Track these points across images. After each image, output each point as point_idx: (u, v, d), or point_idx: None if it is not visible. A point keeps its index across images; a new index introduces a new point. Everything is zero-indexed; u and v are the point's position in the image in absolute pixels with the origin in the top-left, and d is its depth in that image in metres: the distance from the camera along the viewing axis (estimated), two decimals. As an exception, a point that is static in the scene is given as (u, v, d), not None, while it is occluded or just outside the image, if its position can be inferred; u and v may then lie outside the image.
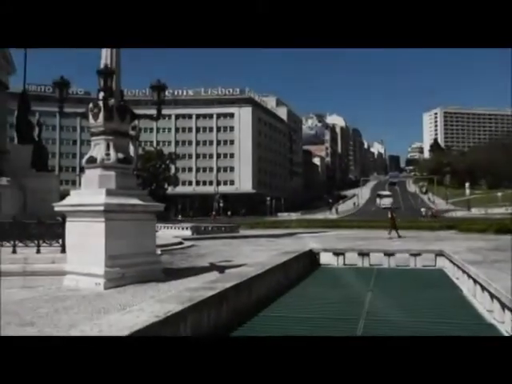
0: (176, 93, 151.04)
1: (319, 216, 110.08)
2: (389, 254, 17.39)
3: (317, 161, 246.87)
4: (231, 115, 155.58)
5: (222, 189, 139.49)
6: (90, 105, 16.52)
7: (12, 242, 16.69)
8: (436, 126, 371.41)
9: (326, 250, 18.03)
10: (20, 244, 16.73)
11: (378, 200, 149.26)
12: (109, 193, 15.48)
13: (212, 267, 19.08)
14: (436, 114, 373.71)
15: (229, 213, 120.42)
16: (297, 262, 15.22)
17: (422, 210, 47.44)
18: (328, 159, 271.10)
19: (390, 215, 42.53)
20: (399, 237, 38.07)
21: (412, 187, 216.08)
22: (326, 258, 17.64)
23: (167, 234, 42.39)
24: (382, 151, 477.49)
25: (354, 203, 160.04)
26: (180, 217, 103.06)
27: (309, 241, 30.46)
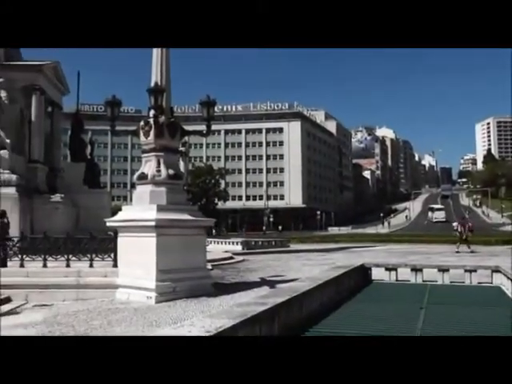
0: (225, 108, 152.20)
1: (370, 230, 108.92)
2: (443, 270, 16.93)
3: (367, 174, 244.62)
4: (280, 130, 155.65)
5: (272, 203, 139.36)
6: (141, 123, 16.81)
7: (66, 256, 17.10)
8: (489, 136, 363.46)
9: (377, 266, 17.76)
10: (73, 258, 17.15)
11: (429, 214, 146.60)
12: (160, 208, 15.68)
13: (263, 282, 19.07)
14: (489, 123, 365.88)
15: (279, 227, 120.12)
16: (348, 278, 15.04)
17: (454, 224, 45.79)
18: (378, 172, 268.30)
19: (460, 228, 39.69)
20: (471, 251, 36.11)
21: (465, 200, 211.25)
22: (377, 274, 17.36)
23: (217, 248, 42.55)
24: (434, 163, 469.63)
25: (406, 216, 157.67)
26: (225, 231, 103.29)
27: (360, 255, 30.18)
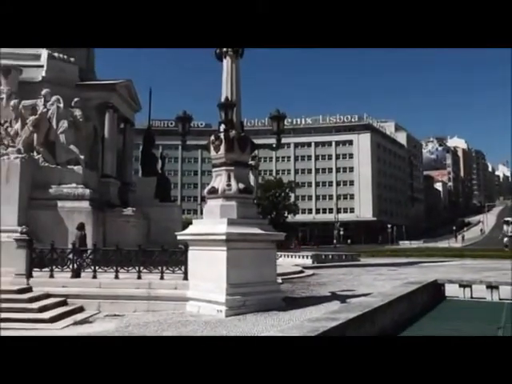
0: (295, 121, 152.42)
1: (442, 244, 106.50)
2: (521, 288, 16.22)
3: (438, 186, 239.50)
4: (350, 142, 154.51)
5: (342, 216, 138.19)
6: (212, 137, 16.98)
7: (137, 268, 17.42)
8: None
9: (451, 282, 17.24)
10: (145, 270, 17.48)
11: (505, 227, 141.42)
12: (230, 222, 15.76)
13: (333, 296, 18.87)
14: None
15: (349, 241, 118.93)
16: (421, 294, 14.67)
17: (506, 239, 43.00)
18: (450, 184, 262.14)
19: None
20: None
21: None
22: (451, 290, 16.83)
23: (288, 262, 42.45)
24: (508, 174, 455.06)
25: (481, 230, 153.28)
26: (294, 245, 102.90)
27: (432, 270, 29.47)
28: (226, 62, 17.56)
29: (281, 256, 42.17)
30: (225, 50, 17.38)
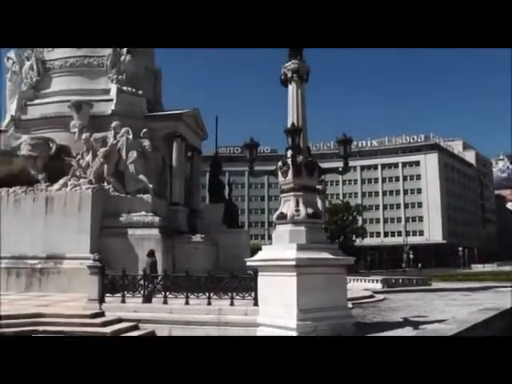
0: (360, 144, 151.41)
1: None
2: None
3: (511, 206, 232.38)
4: (417, 163, 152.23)
5: (411, 239, 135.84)
6: (279, 163, 17.02)
7: (207, 294, 17.53)
8: None
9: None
10: (214, 296, 17.55)
11: None
12: (300, 247, 15.68)
13: (405, 322, 18.43)
14: None
15: (419, 265, 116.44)
16: (499, 321, 14.15)
17: None
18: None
19: None
20: None
21: None
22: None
23: (357, 286, 41.88)
24: None
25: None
26: (363, 268, 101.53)
27: (509, 296, 28.46)
28: (291, 88, 17.63)
29: (350, 280, 41.64)
30: (290, 75, 17.48)
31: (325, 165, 20.21)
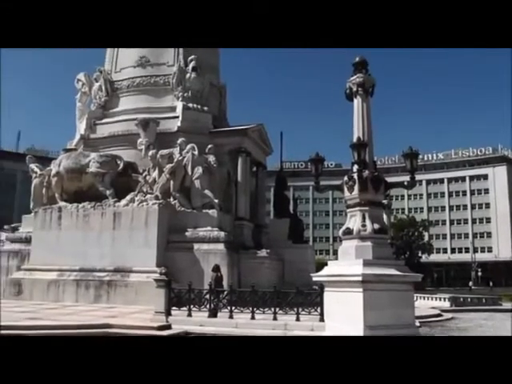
0: (426, 157, 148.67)
1: None
2: None
3: None
4: (485, 176, 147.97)
5: (479, 256, 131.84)
6: (345, 178, 16.91)
7: (273, 310, 17.51)
8: None
9: None
10: (280, 311, 17.52)
11: None
12: (366, 263, 15.48)
13: (476, 343, 17.88)
14: None
15: (490, 283, 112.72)
16: None
17: None
18: None
19: None
20: None
21: None
22: None
23: (424, 304, 41.07)
24: None
25: None
26: (430, 286, 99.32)
27: None
28: (357, 102, 17.52)
29: (417, 298, 40.83)
30: (355, 89, 17.38)
31: (390, 179, 19.95)
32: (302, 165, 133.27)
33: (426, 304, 41.79)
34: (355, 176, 16.47)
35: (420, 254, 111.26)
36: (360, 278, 15.07)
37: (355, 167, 16.62)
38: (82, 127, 33.98)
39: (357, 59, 17.44)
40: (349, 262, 16.22)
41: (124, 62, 34.72)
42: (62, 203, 30.35)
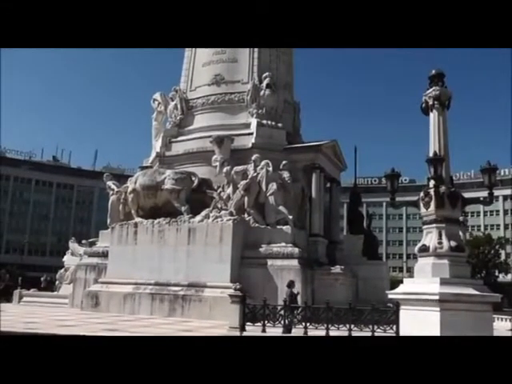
0: (502, 172, 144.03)
1: None
2: None
3: None
4: None
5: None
6: (422, 193, 16.67)
7: (347, 326, 17.38)
8: None
9: None
10: (355, 328, 17.36)
11: None
12: (443, 282, 15.18)
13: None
14: None
15: None
16: None
17: None
18: None
19: None
20: None
21: None
22: None
23: (503, 326, 39.67)
24: None
25: None
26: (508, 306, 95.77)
27: None
28: (433, 115, 17.27)
29: (495, 319, 39.50)
30: (431, 103, 17.15)
31: (466, 195, 19.53)
32: (375, 180, 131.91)
33: (504, 326, 40.34)
34: (432, 192, 16.20)
35: (497, 274, 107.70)
36: (437, 297, 14.78)
37: (431, 183, 16.35)
38: (157, 145, 34.85)
39: (433, 72, 17.23)
40: (425, 280, 15.93)
41: (199, 80, 35.45)
42: (138, 219, 31.13)
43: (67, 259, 38.21)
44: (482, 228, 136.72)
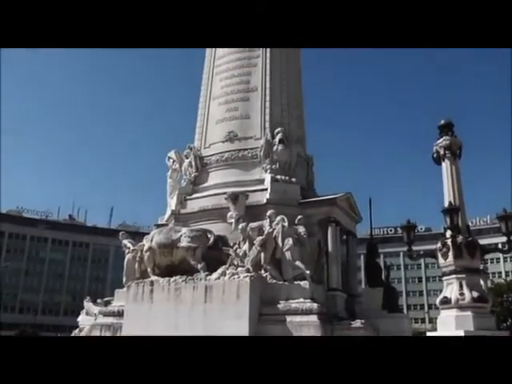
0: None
1: None
2: None
3: None
4: None
5: None
6: (439, 244, 16.57)
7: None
8: None
9: None
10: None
11: None
12: (467, 334, 14.91)
13: None
14: None
15: None
16: None
17: None
18: None
19: None
20: None
21: None
22: None
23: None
24: None
25: None
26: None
27: None
28: (445, 166, 17.31)
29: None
30: (442, 153, 17.20)
31: (483, 241, 19.37)
32: (391, 230, 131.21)
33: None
34: (449, 242, 16.09)
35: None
36: (462, 350, 14.51)
37: (448, 233, 16.27)
38: (172, 203, 34.96)
39: (442, 122, 17.33)
40: (449, 333, 15.66)
41: (213, 137, 35.81)
42: (154, 277, 30.94)
43: (82, 319, 37.84)
44: (503, 274, 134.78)
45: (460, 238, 16.04)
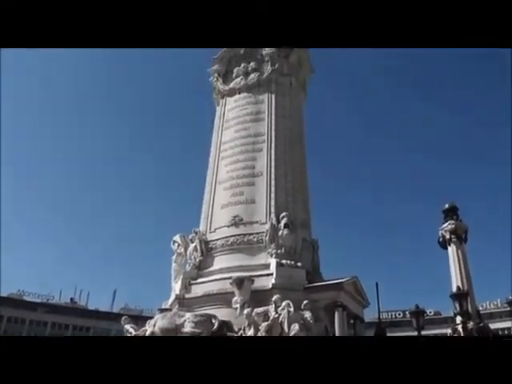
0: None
1: None
2: None
3: None
4: None
5: None
6: (449, 330, 16.34)
7: None
8: None
9: None
10: None
11: None
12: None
13: None
14: None
15: None
16: None
17: None
18: None
19: None
20: None
21: None
22: None
23: None
24: None
25: None
26: None
27: None
28: (451, 250, 17.27)
29: None
30: (448, 237, 17.18)
31: (494, 325, 19.02)
32: (399, 314, 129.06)
33: None
34: (459, 328, 15.83)
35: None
36: None
37: (458, 318, 16.03)
38: (177, 287, 34.64)
39: (446, 206, 17.38)
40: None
41: (218, 222, 35.89)
42: (157, 364, 30.30)
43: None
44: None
45: (471, 324, 15.78)
